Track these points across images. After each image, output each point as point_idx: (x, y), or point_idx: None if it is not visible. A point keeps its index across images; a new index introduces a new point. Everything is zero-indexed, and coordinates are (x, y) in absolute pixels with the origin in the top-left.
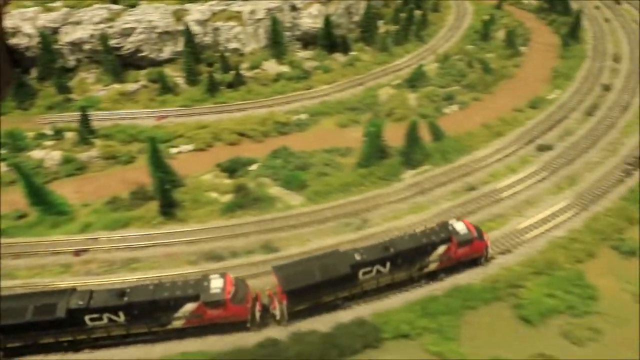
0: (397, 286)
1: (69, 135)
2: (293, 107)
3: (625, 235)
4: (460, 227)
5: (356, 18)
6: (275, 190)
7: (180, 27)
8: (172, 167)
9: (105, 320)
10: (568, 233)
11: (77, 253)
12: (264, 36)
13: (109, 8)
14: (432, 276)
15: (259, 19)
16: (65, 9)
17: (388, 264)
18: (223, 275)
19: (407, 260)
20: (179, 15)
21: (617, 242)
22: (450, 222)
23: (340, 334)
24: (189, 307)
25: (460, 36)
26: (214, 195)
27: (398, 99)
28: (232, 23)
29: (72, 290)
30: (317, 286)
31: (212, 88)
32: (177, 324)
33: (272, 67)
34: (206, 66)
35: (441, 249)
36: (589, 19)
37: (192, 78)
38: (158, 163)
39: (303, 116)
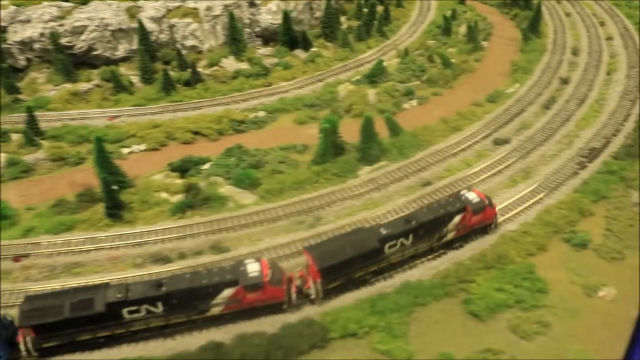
0: (419, 257)
1: (15, 137)
2: (251, 104)
3: (577, 228)
4: (472, 196)
5: (318, 14)
6: (227, 189)
7: (135, 25)
8: (121, 168)
9: (143, 313)
10: (520, 226)
11: (16, 259)
12: (222, 33)
13: (59, 6)
14: (450, 245)
15: (217, 16)
16: (13, 7)
17: (411, 236)
18: (258, 259)
19: (427, 232)
20: (132, 12)
21: (569, 234)
22: (462, 192)
23: (286, 335)
24: (228, 292)
25: (422, 31)
26: (163, 195)
27: (357, 95)
28: (188, 20)
29: (106, 284)
30: (349, 262)
31: (168, 86)
32: (215, 310)
33: (230, 64)
34: (162, 64)
35: (457, 218)
36: (551, 13)
37: (147, 76)
38: (104, 164)
39: (261, 114)
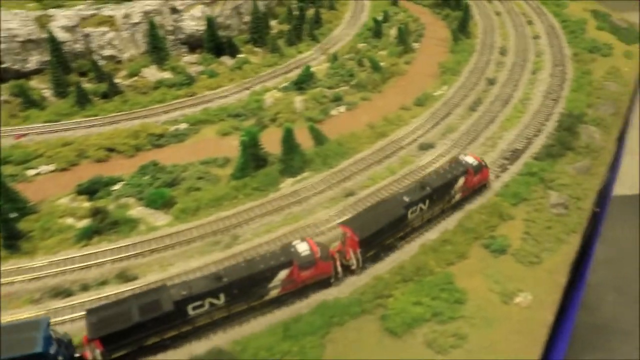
0: (433, 220)
1: None
2: (172, 116)
3: (496, 233)
4: (471, 159)
5: (247, 18)
6: (138, 210)
7: (46, 35)
8: (23, 193)
9: (206, 307)
10: (440, 235)
11: None
12: (143, 41)
13: None
14: (456, 206)
15: (136, 23)
16: None
17: (427, 201)
18: (304, 239)
19: (440, 196)
20: (42, 22)
21: (488, 240)
22: (461, 156)
23: None
24: (283, 274)
25: (354, 34)
26: (69, 221)
27: (284, 103)
28: (104, 28)
29: (163, 285)
30: (383, 230)
31: (82, 100)
32: (273, 293)
33: (152, 73)
34: (78, 76)
35: (462, 180)
36: (481, 12)
37: (60, 90)
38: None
39: (182, 126)
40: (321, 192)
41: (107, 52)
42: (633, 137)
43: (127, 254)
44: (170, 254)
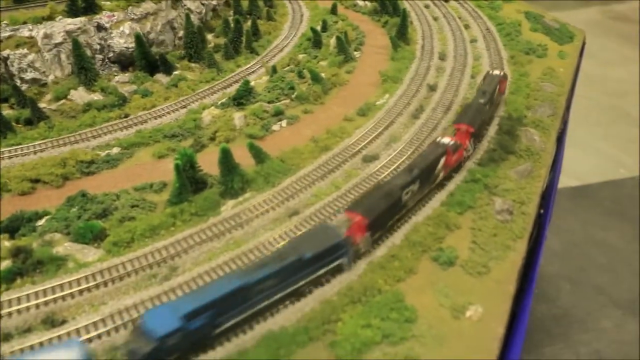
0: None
1: None
2: (104, 140)
3: (444, 244)
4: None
5: (182, 33)
6: (65, 247)
7: None
8: None
9: (409, 194)
10: (388, 250)
11: None
12: (69, 62)
13: None
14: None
15: (59, 43)
16: None
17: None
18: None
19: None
20: None
21: (437, 252)
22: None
23: None
24: (442, 160)
25: (293, 45)
26: None
27: (222, 120)
28: (24, 50)
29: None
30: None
31: (3, 128)
32: (439, 177)
33: (81, 96)
34: None
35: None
36: (419, 18)
37: None
38: None
39: (114, 150)
40: (264, 213)
41: (29, 75)
42: (575, 129)
43: (53, 296)
44: (102, 292)
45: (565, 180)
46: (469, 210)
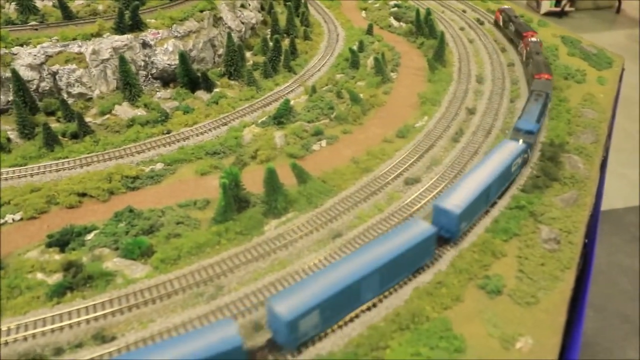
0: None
1: None
2: (148, 156)
3: (491, 272)
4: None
5: (222, 51)
6: (114, 262)
7: (9, 74)
8: None
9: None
10: (434, 276)
11: None
12: (114, 77)
13: None
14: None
15: (105, 59)
16: None
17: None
18: None
19: None
20: (6, 61)
21: (483, 280)
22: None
23: None
24: None
25: (330, 65)
26: (39, 277)
27: (263, 139)
28: (72, 66)
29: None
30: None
31: (51, 141)
32: None
33: (125, 111)
34: (46, 115)
35: None
36: (455, 40)
37: (26, 131)
38: None
39: (158, 166)
40: (307, 234)
41: (76, 89)
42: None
43: (103, 312)
44: (150, 309)
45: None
46: (515, 238)
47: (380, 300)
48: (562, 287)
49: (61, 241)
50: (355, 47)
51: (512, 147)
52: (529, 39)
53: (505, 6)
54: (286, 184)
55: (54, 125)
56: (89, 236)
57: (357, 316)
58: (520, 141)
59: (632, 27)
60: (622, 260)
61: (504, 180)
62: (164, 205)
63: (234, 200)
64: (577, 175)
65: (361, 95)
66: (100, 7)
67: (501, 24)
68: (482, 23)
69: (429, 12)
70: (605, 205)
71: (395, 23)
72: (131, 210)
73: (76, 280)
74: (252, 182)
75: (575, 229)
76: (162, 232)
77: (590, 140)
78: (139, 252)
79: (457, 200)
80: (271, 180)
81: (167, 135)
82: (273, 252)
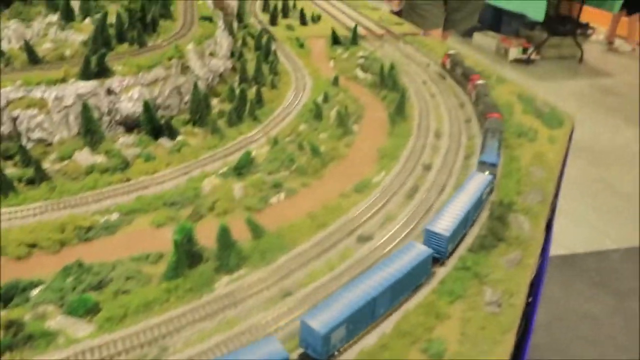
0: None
1: None
2: (104, 204)
3: (434, 335)
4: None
5: (188, 97)
6: (58, 320)
7: None
8: None
9: None
10: (378, 339)
11: None
12: (76, 123)
13: None
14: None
15: (69, 105)
16: None
17: None
18: None
19: None
20: None
21: (426, 343)
22: None
23: None
24: None
25: (295, 114)
26: None
27: (222, 190)
28: (34, 111)
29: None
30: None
31: (5, 187)
32: None
33: (85, 157)
34: (4, 160)
35: None
36: (417, 94)
37: None
38: None
39: (114, 216)
40: (258, 293)
41: (37, 134)
42: (563, 197)
43: None
44: None
45: (552, 248)
46: (459, 300)
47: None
48: (501, 352)
49: (5, 297)
50: (320, 99)
51: (480, 179)
52: (476, 82)
53: (452, 51)
54: (241, 238)
55: (11, 171)
56: (35, 291)
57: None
58: (487, 173)
59: (593, 77)
60: (582, 306)
61: (477, 207)
62: (116, 258)
63: (187, 255)
64: (522, 236)
65: (322, 147)
66: (68, 52)
67: (448, 67)
68: (444, 78)
69: (392, 67)
70: (565, 250)
71: (361, 74)
72: (80, 265)
73: (16, 340)
74: (208, 235)
75: (518, 291)
76: (111, 287)
77: (537, 200)
78: (85, 310)
79: (444, 225)
80: (224, 238)
81: (126, 183)
82: (222, 310)
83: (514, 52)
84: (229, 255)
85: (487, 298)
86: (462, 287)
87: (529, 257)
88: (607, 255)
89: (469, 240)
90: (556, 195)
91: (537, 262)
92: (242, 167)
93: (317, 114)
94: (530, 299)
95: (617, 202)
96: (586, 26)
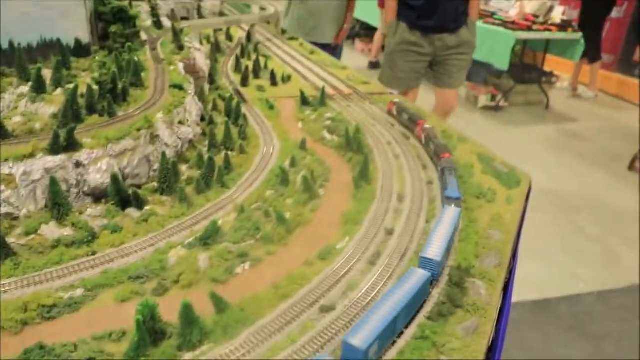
0: None
1: None
2: (69, 280)
3: None
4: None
5: (157, 166)
6: None
7: None
8: None
9: None
10: None
11: None
12: (43, 197)
13: None
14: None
15: (36, 180)
16: None
17: None
18: None
19: None
20: None
21: None
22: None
23: None
24: None
25: (262, 180)
26: None
27: (188, 262)
28: (1, 187)
29: None
30: None
31: None
32: None
33: (51, 231)
34: None
35: None
36: (381, 156)
37: None
38: None
39: (78, 292)
40: None
41: (3, 209)
42: (533, 240)
43: None
44: None
45: (525, 293)
46: None
47: None
48: None
49: None
50: (287, 164)
51: (451, 211)
52: (424, 126)
53: (396, 100)
54: (205, 312)
55: None
56: None
57: None
58: (453, 206)
59: (560, 122)
60: (557, 350)
61: (454, 235)
62: (78, 338)
63: (150, 333)
64: (478, 302)
65: (288, 214)
66: (38, 125)
67: (395, 113)
68: (408, 138)
69: (357, 129)
70: (539, 294)
71: (328, 136)
72: (42, 347)
73: None
74: (173, 309)
75: (474, 359)
76: None
77: (494, 264)
78: None
79: (435, 251)
80: (187, 314)
81: (92, 257)
82: None
83: (483, 100)
84: (191, 331)
85: None
86: (420, 356)
87: (485, 324)
88: (581, 299)
89: (428, 308)
90: (513, 257)
91: (493, 329)
92: (208, 237)
93: (284, 179)
94: None
95: (588, 245)
96: (550, 74)
